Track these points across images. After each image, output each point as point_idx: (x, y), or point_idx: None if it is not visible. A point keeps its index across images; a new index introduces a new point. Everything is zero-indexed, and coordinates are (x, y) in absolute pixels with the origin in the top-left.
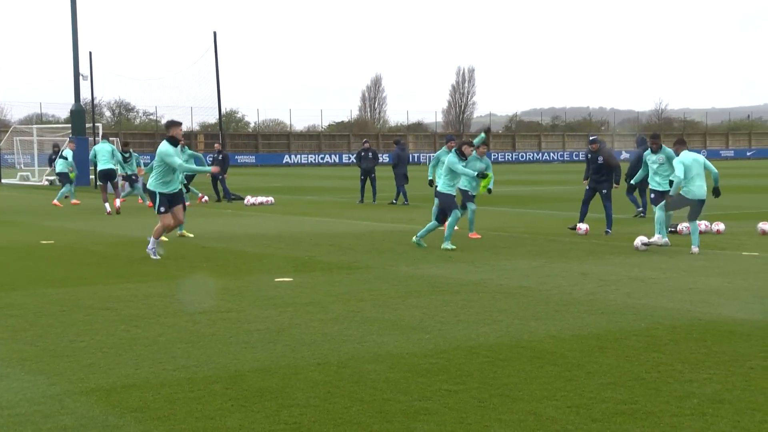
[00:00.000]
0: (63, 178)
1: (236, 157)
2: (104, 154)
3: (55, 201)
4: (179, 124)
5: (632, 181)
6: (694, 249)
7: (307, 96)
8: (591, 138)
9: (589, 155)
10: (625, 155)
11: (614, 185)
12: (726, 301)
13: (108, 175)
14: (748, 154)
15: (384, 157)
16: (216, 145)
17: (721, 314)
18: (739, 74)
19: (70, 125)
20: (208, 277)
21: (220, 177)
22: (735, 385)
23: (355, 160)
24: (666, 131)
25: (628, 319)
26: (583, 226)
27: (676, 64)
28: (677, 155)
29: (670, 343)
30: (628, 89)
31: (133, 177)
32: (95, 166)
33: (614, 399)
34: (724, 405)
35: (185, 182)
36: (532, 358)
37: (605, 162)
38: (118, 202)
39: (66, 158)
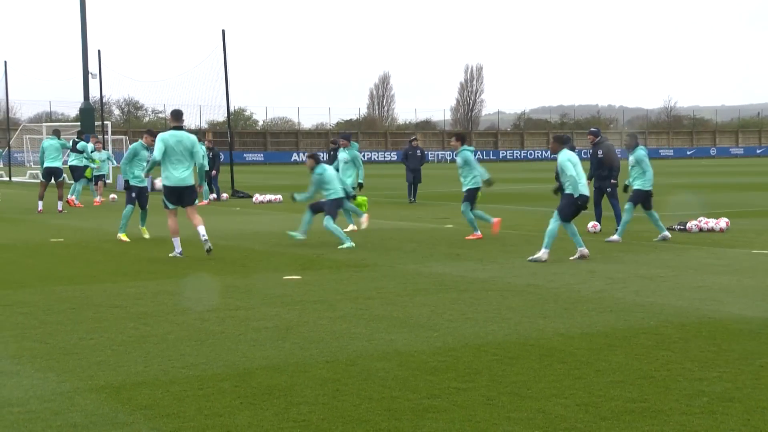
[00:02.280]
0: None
1: (244, 155)
2: (52, 151)
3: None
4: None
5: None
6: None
7: (315, 94)
8: (591, 130)
9: (591, 151)
10: None
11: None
12: (735, 299)
13: (53, 173)
14: (758, 151)
15: (392, 155)
16: (206, 142)
17: (730, 312)
18: (750, 71)
19: (79, 123)
20: (217, 275)
21: (212, 174)
22: (745, 383)
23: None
24: (675, 129)
25: (636, 317)
26: (595, 225)
27: (686, 61)
28: (555, 153)
29: (680, 341)
30: (638, 87)
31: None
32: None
33: (623, 397)
34: (734, 403)
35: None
36: (541, 356)
37: (604, 157)
38: (71, 200)
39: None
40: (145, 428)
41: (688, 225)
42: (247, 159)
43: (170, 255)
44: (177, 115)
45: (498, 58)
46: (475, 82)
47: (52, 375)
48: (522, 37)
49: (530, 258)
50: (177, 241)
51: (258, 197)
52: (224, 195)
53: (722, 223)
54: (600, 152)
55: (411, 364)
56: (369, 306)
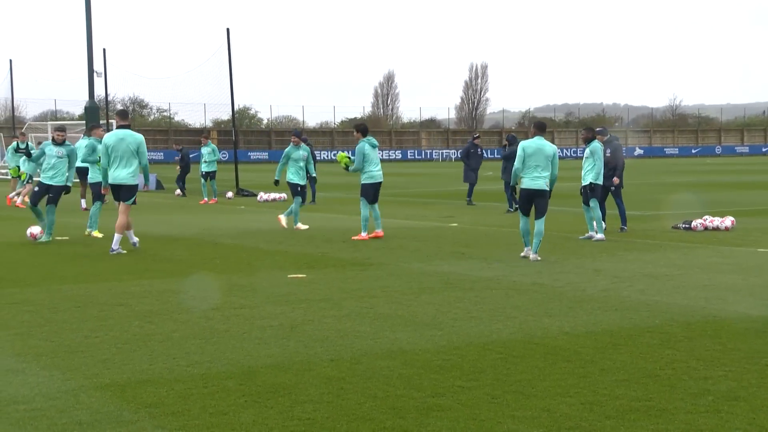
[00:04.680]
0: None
1: (249, 153)
2: (81, 149)
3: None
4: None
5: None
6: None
7: (319, 92)
8: (598, 129)
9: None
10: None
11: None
12: (741, 297)
13: (81, 172)
14: (764, 150)
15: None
16: (175, 145)
17: (736, 311)
18: (755, 70)
19: (84, 122)
20: (221, 273)
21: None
22: (750, 382)
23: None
24: (680, 127)
25: (642, 316)
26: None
27: (691, 59)
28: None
29: (685, 339)
30: (642, 85)
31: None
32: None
33: (628, 396)
34: (740, 402)
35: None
36: (546, 355)
37: (611, 156)
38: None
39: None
40: (150, 426)
41: (693, 224)
42: (251, 157)
43: (131, 247)
44: (122, 114)
45: (503, 56)
46: (479, 80)
47: (58, 373)
48: (527, 36)
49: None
50: (130, 234)
51: (263, 196)
52: (228, 193)
53: (728, 221)
54: (608, 151)
55: (415, 362)
56: (374, 304)
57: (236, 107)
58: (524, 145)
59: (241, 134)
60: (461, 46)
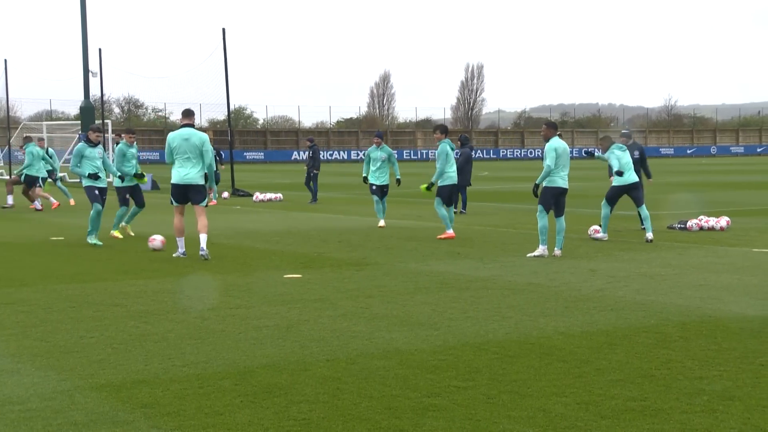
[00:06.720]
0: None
1: (245, 153)
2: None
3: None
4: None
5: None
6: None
7: (315, 92)
8: (623, 132)
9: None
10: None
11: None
12: (736, 297)
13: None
14: (759, 150)
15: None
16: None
17: (731, 311)
18: (750, 70)
19: (79, 122)
20: (217, 273)
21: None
22: (745, 382)
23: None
24: (676, 127)
25: (637, 316)
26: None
27: (687, 60)
28: (547, 141)
29: (680, 339)
30: (638, 85)
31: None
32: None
33: (623, 396)
34: (735, 402)
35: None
36: (541, 355)
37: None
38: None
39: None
40: (146, 426)
41: (689, 224)
42: (247, 157)
43: (173, 255)
44: (187, 113)
45: (499, 56)
46: (475, 80)
47: (53, 373)
48: (523, 36)
49: (529, 255)
50: (181, 242)
51: (258, 196)
52: (225, 193)
53: (723, 221)
54: (636, 153)
55: (411, 362)
56: (369, 304)
57: (232, 107)
58: (556, 146)
59: (236, 134)
60: (457, 47)
